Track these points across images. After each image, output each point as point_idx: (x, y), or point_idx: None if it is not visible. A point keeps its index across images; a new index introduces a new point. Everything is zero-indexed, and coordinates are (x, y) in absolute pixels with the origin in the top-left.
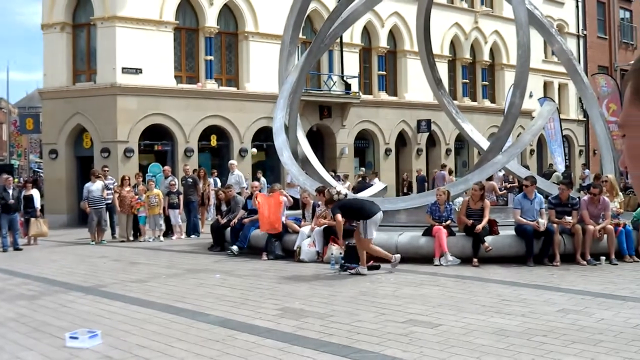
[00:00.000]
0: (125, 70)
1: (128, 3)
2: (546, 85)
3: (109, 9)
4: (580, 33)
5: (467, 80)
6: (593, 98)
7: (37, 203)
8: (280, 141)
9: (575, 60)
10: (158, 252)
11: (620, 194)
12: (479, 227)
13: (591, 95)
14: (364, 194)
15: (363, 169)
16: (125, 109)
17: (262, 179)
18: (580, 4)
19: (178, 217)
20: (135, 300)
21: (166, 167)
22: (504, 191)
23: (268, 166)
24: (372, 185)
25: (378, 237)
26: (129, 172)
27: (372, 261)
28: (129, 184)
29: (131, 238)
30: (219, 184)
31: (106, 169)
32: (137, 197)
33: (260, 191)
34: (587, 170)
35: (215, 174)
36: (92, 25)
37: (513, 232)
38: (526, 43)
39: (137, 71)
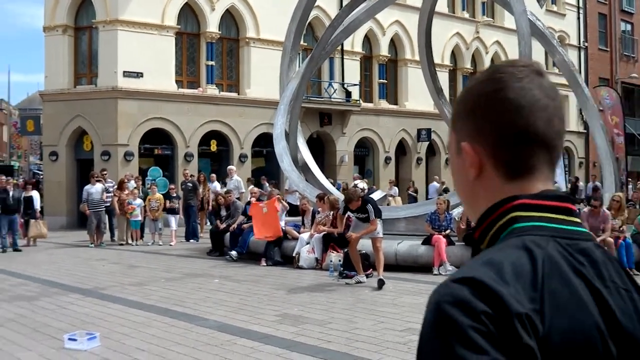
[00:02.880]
0: (127, 74)
1: (130, 7)
2: None
3: (110, 13)
4: (582, 45)
5: None
6: (594, 110)
7: (37, 204)
8: (280, 147)
9: (576, 71)
10: (157, 256)
11: (625, 212)
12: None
13: (592, 106)
14: None
15: (358, 179)
16: (126, 112)
17: (266, 185)
18: (581, 16)
19: (175, 222)
20: (134, 303)
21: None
22: None
23: (268, 172)
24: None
25: None
26: (128, 176)
27: (370, 269)
28: (127, 187)
29: (130, 241)
30: (219, 188)
31: (104, 172)
32: (126, 201)
33: (259, 199)
34: (581, 183)
35: (214, 178)
36: (94, 29)
37: None
38: (528, 54)
39: (138, 75)
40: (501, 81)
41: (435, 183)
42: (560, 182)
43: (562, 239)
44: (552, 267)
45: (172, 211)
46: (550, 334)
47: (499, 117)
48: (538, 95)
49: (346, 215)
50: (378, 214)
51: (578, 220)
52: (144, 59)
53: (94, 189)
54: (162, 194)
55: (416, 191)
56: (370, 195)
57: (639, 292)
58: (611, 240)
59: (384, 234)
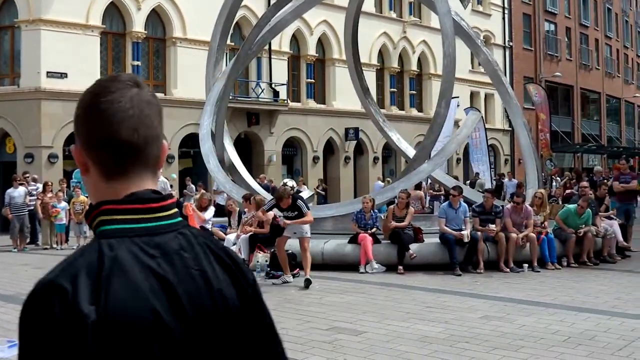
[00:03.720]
0: (50, 75)
1: (54, 6)
2: (473, 95)
3: (33, 12)
4: (507, 44)
5: (395, 89)
6: (517, 108)
7: None
8: (206, 148)
9: (500, 71)
10: None
11: (548, 208)
12: (394, 224)
13: (515, 105)
14: None
15: (287, 179)
16: (50, 113)
17: (191, 186)
18: (506, 16)
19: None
20: None
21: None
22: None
23: (195, 173)
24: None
25: None
26: (52, 178)
27: (297, 269)
28: (51, 190)
29: (55, 245)
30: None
31: (27, 175)
32: (50, 204)
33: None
34: (506, 180)
35: None
36: (17, 28)
37: (438, 240)
38: (452, 53)
39: (62, 75)
40: (94, 93)
41: (379, 182)
42: (486, 178)
43: (139, 237)
44: (115, 266)
45: None
46: (104, 325)
47: (90, 125)
48: (125, 107)
49: (272, 216)
50: (308, 208)
51: (167, 213)
52: (68, 59)
53: (17, 193)
54: (86, 197)
55: (325, 190)
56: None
57: (222, 270)
58: (533, 235)
59: (311, 232)
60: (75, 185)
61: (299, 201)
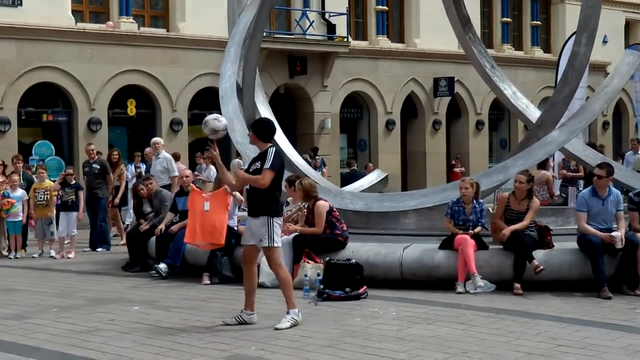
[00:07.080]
0: None
1: None
2: (629, 26)
3: None
4: None
5: (510, 19)
6: None
7: None
8: (230, 109)
9: None
10: (48, 274)
11: None
12: (509, 228)
13: None
14: (354, 187)
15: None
16: None
17: (203, 165)
18: None
19: (74, 223)
20: (12, 346)
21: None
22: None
23: None
24: (365, 174)
25: (372, 251)
26: (2, 155)
27: (365, 287)
28: (3, 172)
29: (5, 252)
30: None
31: None
32: (0, 192)
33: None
34: (629, 152)
35: (139, 158)
36: None
37: (575, 245)
38: None
39: (16, 3)
40: None
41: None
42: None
43: None
44: None
45: (70, 207)
46: None
47: None
48: None
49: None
50: (276, 162)
51: None
52: None
53: None
54: (54, 182)
55: (353, 174)
56: (365, 177)
57: None
58: None
59: (381, 235)
60: (39, 164)
61: (272, 148)
